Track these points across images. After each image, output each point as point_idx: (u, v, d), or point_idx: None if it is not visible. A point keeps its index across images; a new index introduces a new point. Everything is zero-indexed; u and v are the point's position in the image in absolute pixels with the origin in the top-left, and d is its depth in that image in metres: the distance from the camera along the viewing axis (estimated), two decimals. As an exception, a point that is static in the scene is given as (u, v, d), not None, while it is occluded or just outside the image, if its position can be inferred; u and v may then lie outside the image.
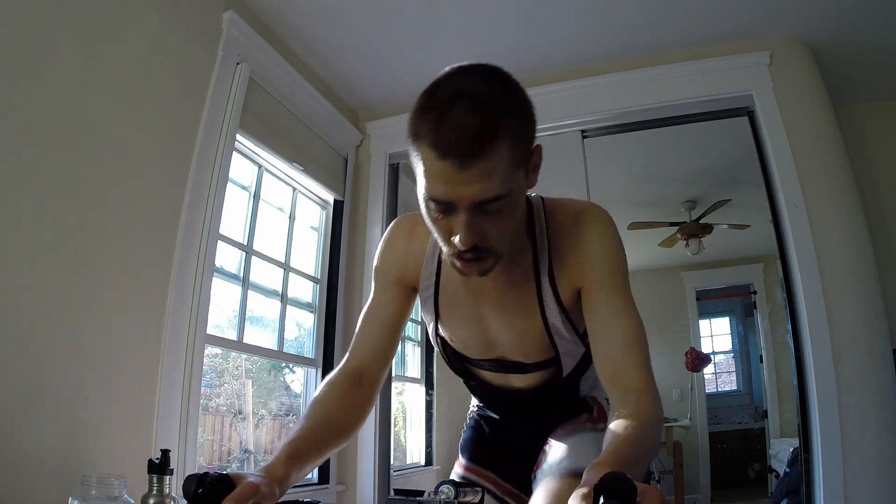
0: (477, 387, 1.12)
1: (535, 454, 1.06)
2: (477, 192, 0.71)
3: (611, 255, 0.88)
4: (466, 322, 0.99)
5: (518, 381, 1.04)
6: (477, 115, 0.69)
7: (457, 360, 1.07)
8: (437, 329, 1.03)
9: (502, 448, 1.14)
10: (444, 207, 0.74)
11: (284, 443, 0.80)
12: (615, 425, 0.73)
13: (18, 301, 1.28)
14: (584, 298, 0.89)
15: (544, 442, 1.06)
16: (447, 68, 0.77)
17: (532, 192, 0.95)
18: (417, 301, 1.03)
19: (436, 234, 0.80)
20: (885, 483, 1.91)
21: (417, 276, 0.99)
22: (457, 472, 1.16)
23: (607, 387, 0.83)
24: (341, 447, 0.90)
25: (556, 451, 1.00)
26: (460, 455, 1.19)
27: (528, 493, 1.02)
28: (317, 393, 0.92)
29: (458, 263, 0.80)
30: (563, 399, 1.07)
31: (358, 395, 0.93)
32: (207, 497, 0.64)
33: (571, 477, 0.89)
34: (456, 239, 0.75)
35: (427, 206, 0.77)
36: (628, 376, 0.80)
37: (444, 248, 0.80)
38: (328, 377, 0.94)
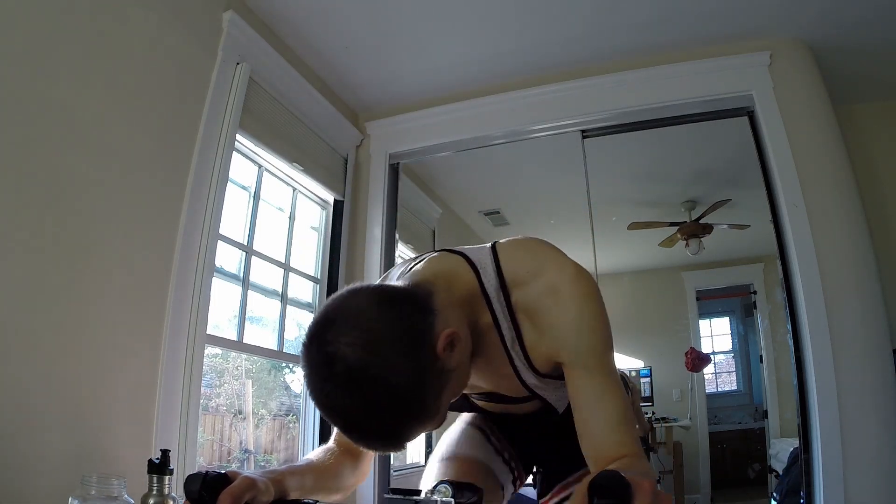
0: (472, 409, 1.11)
1: (536, 437, 1.10)
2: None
3: (590, 333, 0.79)
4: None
5: (513, 408, 1.04)
6: (373, 433, 0.67)
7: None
8: None
9: (507, 421, 1.14)
10: None
11: (287, 465, 0.83)
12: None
13: (18, 301, 1.28)
14: (566, 374, 0.82)
15: (547, 435, 1.08)
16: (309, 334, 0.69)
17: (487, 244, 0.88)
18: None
19: None
20: (885, 483, 1.91)
21: None
22: (456, 428, 1.14)
23: (593, 463, 0.79)
24: (331, 497, 0.91)
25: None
26: (460, 421, 1.17)
27: (523, 457, 1.10)
28: (318, 450, 0.95)
29: None
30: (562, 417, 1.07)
31: (347, 460, 0.94)
32: (207, 495, 0.64)
33: None
34: None
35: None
36: (616, 455, 0.76)
37: None
38: (329, 443, 0.97)
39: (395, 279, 0.87)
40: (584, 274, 0.81)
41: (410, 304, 0.71)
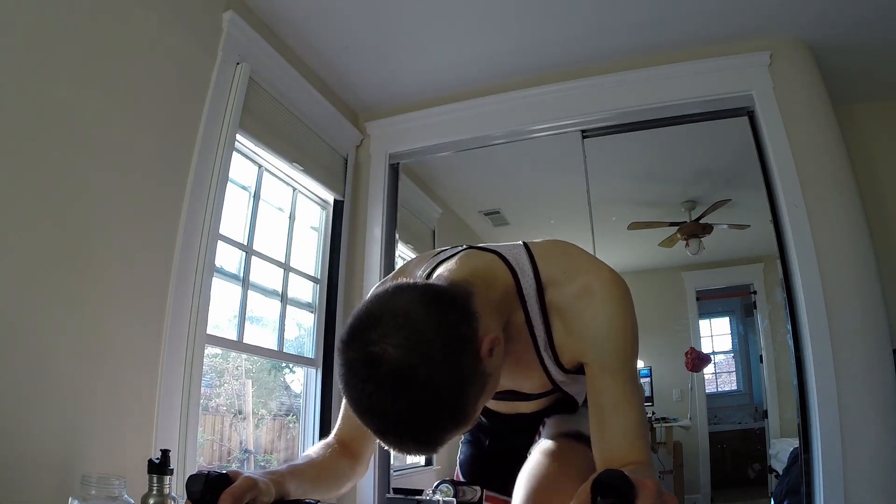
0: (483, 413, 1.10)
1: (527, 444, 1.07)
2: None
3: (619, 336, 0.80)
4: None
5: (523, 407, 1.03)
6: (410, 437, 0.64)
7: None
8: None
9: (499, 462, 1.12)
10: None
11: (286, 464, 0.82)
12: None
13: (18, 301, 1.28)
14: (588, 374, 0.83)
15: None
16: (354, 324, 0.67)
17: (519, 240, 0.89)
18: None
19: None
20: (885, 483, 1.91)
21: None
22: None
23: (603, 464, 0.80)
24: (329, 495, 0.90)
25: (549, 423, 1.02)
26: (459, 472, 1.19)
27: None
28: (313, 448, 0.94)
29: None
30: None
31: (345, 458, 0.94)
32: (208, 496, 0.64)
33: (565, 437, 0.90)
34: None
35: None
36: (627, 460, 0.76)
37: None
38: (325, 441, 0.96)
39: (422, 275, 0.85)
40: (619, 279, 0.81)
41: (456, 306, 0.69)
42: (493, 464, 1.14)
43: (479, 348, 0.68)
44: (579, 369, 0.85)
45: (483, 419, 1.18)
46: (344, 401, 0.96)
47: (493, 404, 1.05)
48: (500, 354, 0.73)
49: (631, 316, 0.80)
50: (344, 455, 0.94)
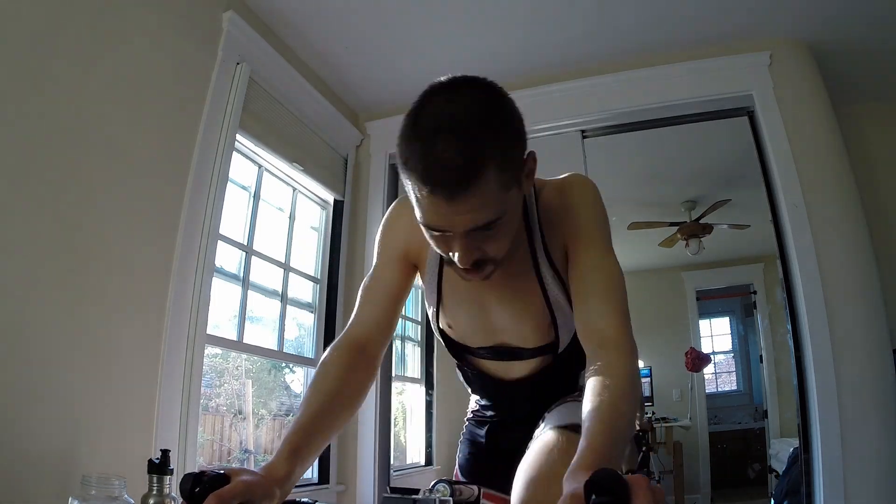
0: (475, 377, 1.12)
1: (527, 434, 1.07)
2: (469, 222, 0.74)
3: (589, 213, 0.91)
4: (468, 306, 1.00)
5: (517, 369, 1.05)
6: (461, 149, 0.69)
7: (456, 349, 1.09)
8: (437, 314, 1.04)
9: (497, 459, 1.11)
10: (439, 233, 0.77)
11: (286, 437, 0.79)
12: (591, 393, 0.73)
13: (18, 301, 1.28)
14: (569, 260, 0.91)
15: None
16: (430, 86, 0.77)
17: None
18: (418, 301, 1.04)
19: (435, 248, 0.82)
20: (885, 483, 1.91)
21: (422, 255, 1.00)
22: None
23: (582, 339, 0.84)
24: (344, 426, 0.90)
25: (549, 416, 1.01)
26: (458, 472, 1.20)
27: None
28: (318, 370, 0.90)
29: (460, 273, 0.83)
30: (562, 393, 1.07)
31: (361, 367, 0.92)
32: (204, 496, 0.64)
33: (564, 429, 0.90)
34: (454, 256, 0.78)
35: (424, 228, 0.79)
36: (601, 327, 0.81)
37: (447, 259, 0.83)
38: (332, 346, 0.93)
39: None
40: (586, 177, 0.97)
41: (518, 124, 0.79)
42: (491, 462, 1.14)
43: (524, 156, 0.79)
44: (563, 263, 0.93)
45: (484, 402, 1.17)
46: (362, 294, 0.99)
47: (484, 363, 1.07)
48: (528, 189, 0.86)
49: (599, 202, 0.93)
50: (359, 359, 0.92)
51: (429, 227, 0.77)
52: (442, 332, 1.07)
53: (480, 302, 0.99)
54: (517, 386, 1.07)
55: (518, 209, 0.83)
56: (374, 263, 1.02)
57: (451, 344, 1.08)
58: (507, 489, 1.00)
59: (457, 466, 1.21)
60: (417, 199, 0.75)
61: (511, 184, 0.76)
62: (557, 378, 1.06)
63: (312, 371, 2.53)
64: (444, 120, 0.71)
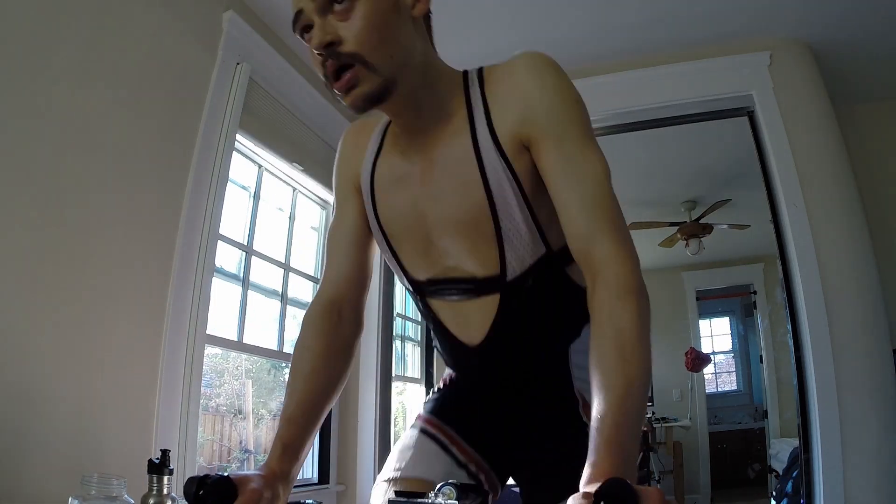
0: (436, 335, 0.92)
1: (514, 429, 0.89)
2: None
3: (555, 96, 0.74)
4: (402, 215, 0.84)
5: (473, 318, 0.83)
6: None
7: (414, 289, 0.91)
8: (386, 241, 0.88)
9: (476, 410, 0.92)
10: (303, 27, 0.73)
11: (277, 432, 0.78)
12: (599, 359, 0.62)
13: (18, 301, 1.28)
14: (536, 160, 0.74)
15: (530, 427, 0.88)
16: None
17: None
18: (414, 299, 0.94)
19: (317, 73, 0.75)
20: (885, 483, 1.91)
21: (361, 177, 0.90)
22: (407, 437, 0.93)
23: (579, 263, 0.72)
24: (337, 395, 0.87)
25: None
26: (422, 409, 0.98)
27: (495, 464, 0.90)
28: (298, 342, 0.86)
29: (336, 91, 0.72)
30: (550, 384, 0.86)
31: (340, 331, 0.87)
32: (208, 499, 0.64)
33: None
34: (314, 46, 0.71)
35: (309, 54, 0.74)
36: (594, 249, 0.68)
37: (323, 81, 0.74)
38: (305, 316, 0.88)
39: None
40: (548, 56, 0.79)
41: None
42: (466, 406, 0.94)
43: None
44: (531, 190, 0.76)
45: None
46: (327, 246, 0.91)
47: (444, 315, 0.87)
48: (422, 10, 0.75)
49: (568, 83, 0.76)
50: (336, 324, 0.86)
51: (294, 23, 0.74)
52: (402, 271, 0.90)
53: (414, 207, 0.82)
54: (482, 359, 0.85)
55: (385, 5, 0.71)
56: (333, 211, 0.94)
57: (410, 283, 0.90)
58: (474, 440, 0.89)
59: (424, 413, 0.97)
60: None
61: None
62: (530, 345, 0.84)
63: (312, 371, 2.53)
64: None
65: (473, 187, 0.76)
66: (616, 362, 0.61)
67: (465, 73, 0.83)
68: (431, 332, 0.95)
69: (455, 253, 0.82)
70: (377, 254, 0.94)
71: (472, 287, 0.82)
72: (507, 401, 0.90)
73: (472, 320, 0.84)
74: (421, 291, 0.89)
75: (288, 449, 0.76)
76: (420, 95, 0.77)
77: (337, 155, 0.97)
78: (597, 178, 0.72)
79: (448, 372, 1.01)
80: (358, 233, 0.89)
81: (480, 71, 0.82)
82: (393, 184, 0.84)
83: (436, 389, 1.02)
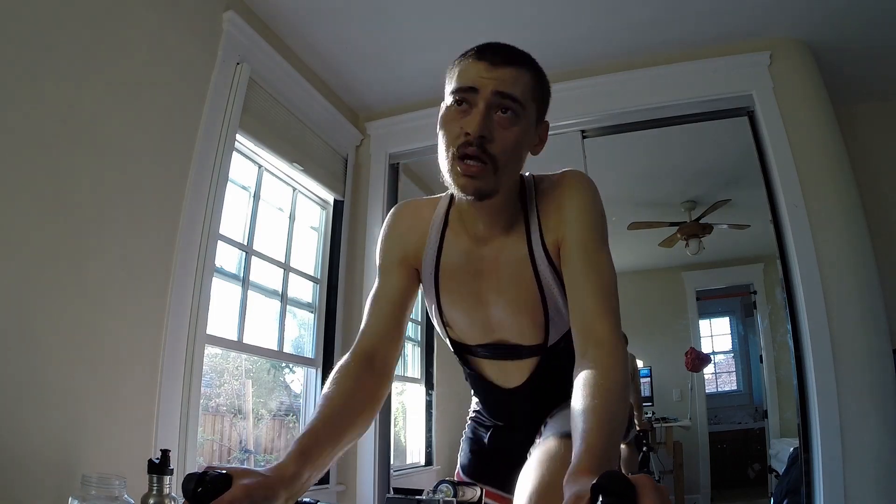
0: (476, 384, 1.13)
1: (527, 438, 1.07)
2: (500, 84, 0.83)
3: (585, 212, 0.93)
4: (465, 299, 1.01)
5: (514, 373, 1.05)
6: (512, 47, 0.87)
7: (457, 348, 1.10)
8: (440, 312, 1.04)
9: (500, 460, 1.12)
10: (464, 97, 0.85)
11: (296, 439, 0.78)
12: (583, 394, 0.74)
13: (18, 301, 1.28)
14: (562, 257, 0.93)
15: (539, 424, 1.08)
16: None
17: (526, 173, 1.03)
18: (418, 302, 1.03)
19: (443, 141, 0.87)
20: (885, 483, 1.91)
21: (419, 255, 1.01)
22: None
23: (576, 337, 0.86)
24: (358, 436, 0.88)
25: (551, 422, 1.02)
26: (459, 472, 1.19)
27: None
28: (329, 381, 0.89)
29: (459, 168, 0.84)
30: (560, 399, 1.04)
31: (371, 378, 0.92)
32: (206, 496, 0.64)
33: (566, 437, 0.89)
34: (469, 128, 0.82)
35: (447, 110, 0.87)
36: (595, 329, 0.83)
37: (448, 153, 0.86)
38: (339, 363, 0.93)
39: None
40: (583, 174, 1.00)
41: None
42: (494, 462, 1.13)
43: (545, 112, 0.95)
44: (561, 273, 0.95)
45: (483, 410, 1.17)
46: (368, 307, 1.00)
47: (483, 365, 1.08)
48: (537, 151, 0.95)
49: (597, 200, 0.95)
50: (368, 372, 0.92)
51: (459, 90, 0.85)
52: (446, 332, 1.08)
53: (476, 293, 1.00)
54: (515, 396, 1.07)
55: (529, 136, 0.90)
56: (377, 272, 1.03)
57: (453, 343, 1.09)
58: (509, 489, 1.00)
59: (458, 466, 1.20)
60: (458, 74, 0.86)
61: (538, 100, 0.89)
62: (554, 383, 1.04)
63: (313, 371, 2.54)
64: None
65: (528, 280, 0.96)
66: (600, 400, 0.73)
67: (522, 179, 1.00)
68: (466, 376, 1.15)
69: (507, 329, 1.02)
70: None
71: (517, 353, 1.04)
72: (523, 418, 1.10)
73: (511, 373, 1.06)
74: (466, 350, 1.09)
75: (305, 452, 0.76)
76: (506, 202, 0.95)
77: (388, 227, 1.07)
78: (606, 276, 0.89)
79: (472, 406, 1.24)
80: (398, 298, 1.01)
81: (532, 181, 1.01)
82: (460, 270, 1.00)
83: (465, 429, 1.24)
